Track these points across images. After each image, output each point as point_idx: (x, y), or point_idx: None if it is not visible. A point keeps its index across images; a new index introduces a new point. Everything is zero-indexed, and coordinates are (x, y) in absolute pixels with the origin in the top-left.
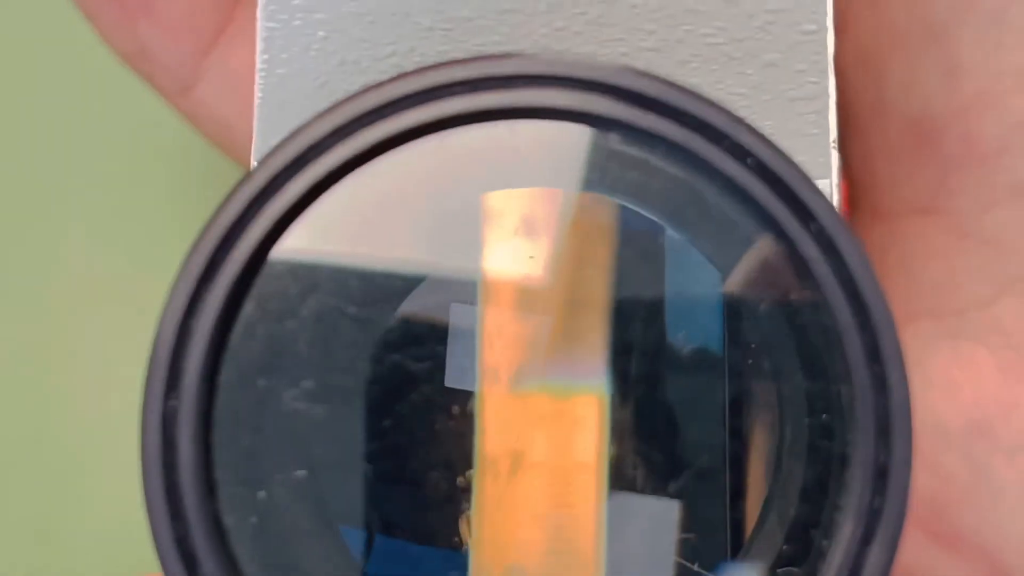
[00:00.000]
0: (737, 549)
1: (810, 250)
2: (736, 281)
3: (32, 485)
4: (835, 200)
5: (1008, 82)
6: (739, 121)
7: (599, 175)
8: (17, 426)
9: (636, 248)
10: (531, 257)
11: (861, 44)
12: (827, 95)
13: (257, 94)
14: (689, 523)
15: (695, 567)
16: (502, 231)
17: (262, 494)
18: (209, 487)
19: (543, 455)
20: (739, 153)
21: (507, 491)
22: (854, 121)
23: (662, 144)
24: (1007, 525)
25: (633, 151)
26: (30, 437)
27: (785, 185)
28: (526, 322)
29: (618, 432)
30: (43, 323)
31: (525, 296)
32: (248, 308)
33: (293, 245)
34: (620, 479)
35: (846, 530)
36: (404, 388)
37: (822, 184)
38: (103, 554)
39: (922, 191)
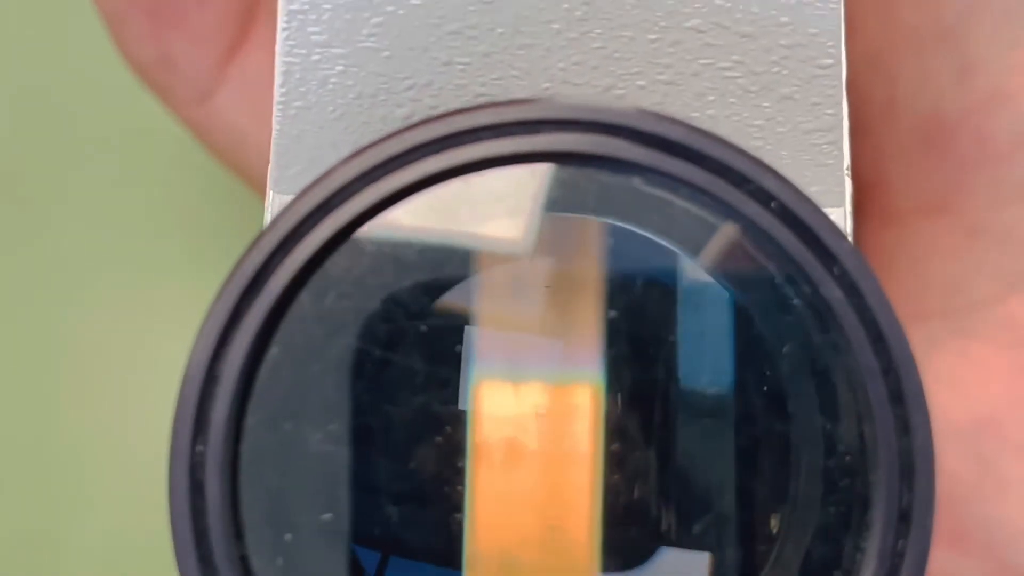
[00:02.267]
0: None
1: (833, 293)
2: (754, 319)
3: (32, 489)
4: (849, 227)
5: (1021, 79)
6: (762, 165)
7: (620, 211)
8: (17, 429)
9: (650, 281)
10: (547, 287)
11: (871, 45)
12: (841, 126)
13: (275, 126)
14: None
15: None
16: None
17: (288, 536)
18: (237, 530)
19: (537, 445)
20: (762, 197)
21: (501, 481)
22: (864, 122)
23: (684, 187)
24: (1016, 522)
25: (655, 192)
26: (30, 441)
27: (808, 229)
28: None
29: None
30: (45, 325)
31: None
32: (273, 352)
33: (317, 288)
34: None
35: (868, 572)
36: (425, 430)
37: (836, 212)
38: (104, 558)
39: (933, 191)
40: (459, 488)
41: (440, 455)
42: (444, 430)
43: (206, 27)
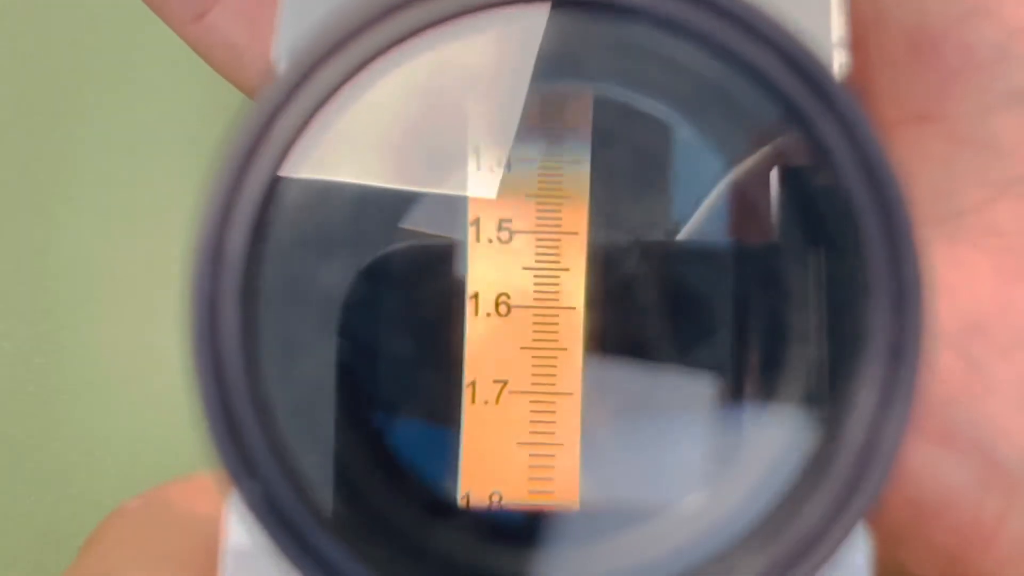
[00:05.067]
0: (745, 425)
1: (828, 131)
2: (750, 167)
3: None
4: None
5: None
6: (759, 9)
7: (616, 66)
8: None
9: (644, 144)
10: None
11: None
12: None
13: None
14: (698, 405)
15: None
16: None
17: (301, 365)
18: (253, 362)
19: (526, 383)
20: (759, 40)
21: (491, 417)
22: (853, 33)
23: (684, 33)
24: (1001, 421)
25: (652, 42)
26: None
27: (803, 69)
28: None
29: (618, 323)
30: (44, 317)
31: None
32: (286, 192)
33: (328, 134)
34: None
35: (863, 401)
36: (424, 277)
37: None
38: None
39: (920, 100)
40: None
41: (436, 296)
42: (441, 273)
43: None
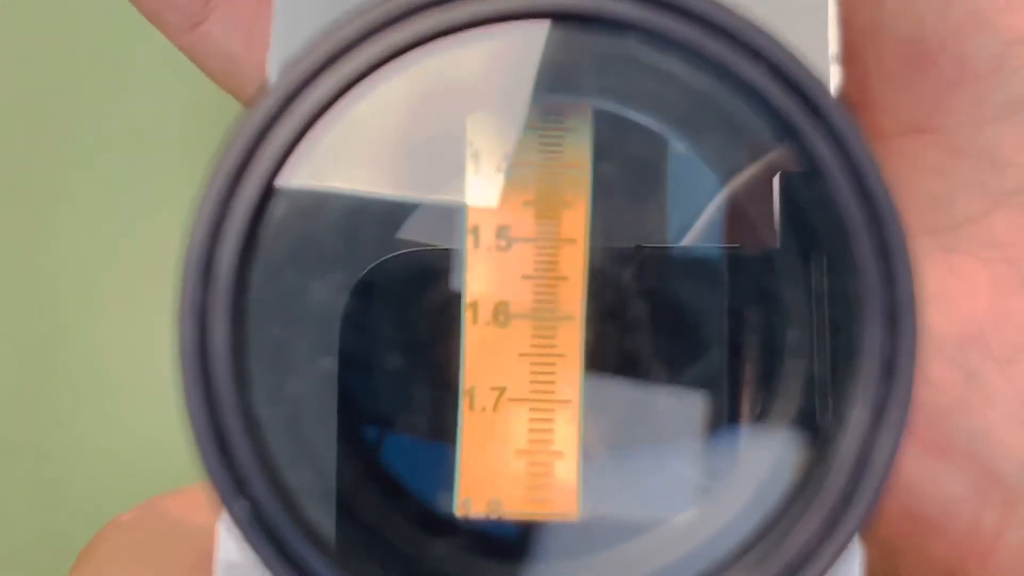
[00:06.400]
0: (738, 441)
1: (820, 148)
2: (742, 183)
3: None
4: None
5: (1000, 1)
6: (751, 23)
7: (610, 82)
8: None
9: (640, 157)
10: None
11: None
12: (826, 7)
13: (275, 11)
14: (691, 421)
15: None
16: (485, 159)
17: (292, 380)
18: (242, 378)
19: (524, 390)
20: (753, 55)
21: (490, 424)
22: (850, 44)
23: (678, 47)
24: (999, 433)
25: (647, 57)
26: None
27: (796, 86)
28: (511, 251)
29: (614, 336)
30: (43, 319)
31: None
32: (277, 206)
33: (321, 146)
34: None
35: (856, 418)
36: (420, 287)
37: None
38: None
39: (917, 111)
40: (443, 347)
41: (429, 312)
42: (434, 288)
43: None
